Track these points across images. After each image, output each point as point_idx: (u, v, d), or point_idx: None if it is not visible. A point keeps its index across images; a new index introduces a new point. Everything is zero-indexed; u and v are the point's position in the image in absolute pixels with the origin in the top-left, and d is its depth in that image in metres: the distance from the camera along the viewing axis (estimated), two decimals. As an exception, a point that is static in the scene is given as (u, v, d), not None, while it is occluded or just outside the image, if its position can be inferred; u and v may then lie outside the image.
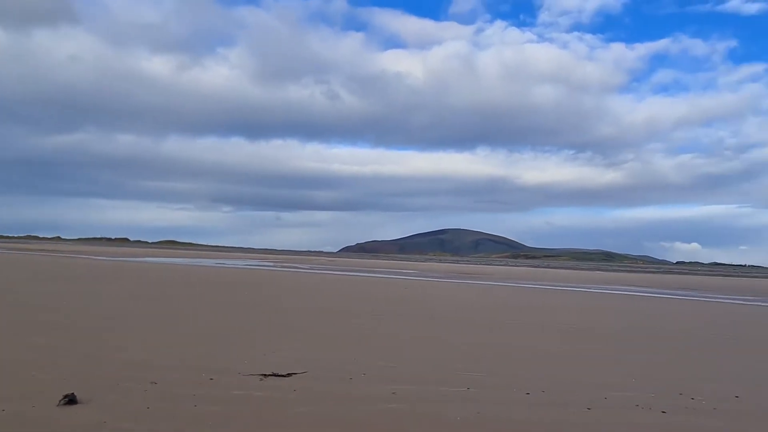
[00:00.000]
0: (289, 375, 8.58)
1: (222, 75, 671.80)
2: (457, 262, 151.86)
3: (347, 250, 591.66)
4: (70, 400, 6.72)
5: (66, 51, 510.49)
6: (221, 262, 68.90)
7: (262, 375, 8.52)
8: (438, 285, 36.88)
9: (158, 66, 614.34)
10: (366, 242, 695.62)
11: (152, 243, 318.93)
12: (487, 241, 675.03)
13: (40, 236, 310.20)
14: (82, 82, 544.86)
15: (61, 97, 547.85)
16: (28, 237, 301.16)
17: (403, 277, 45.80)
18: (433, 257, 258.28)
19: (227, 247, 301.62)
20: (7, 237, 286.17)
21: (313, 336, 12.57)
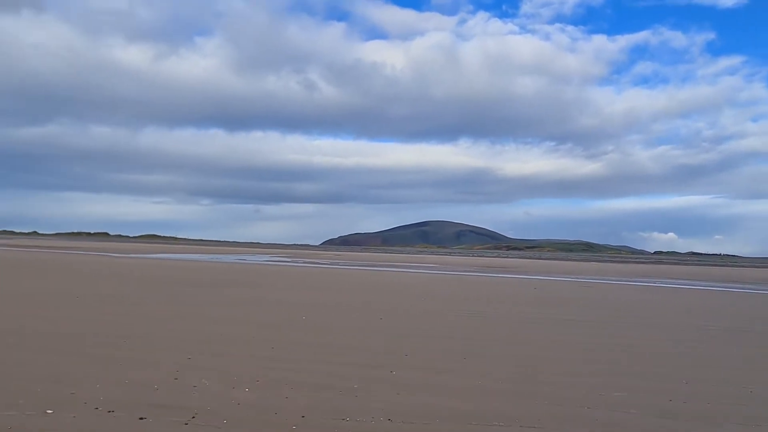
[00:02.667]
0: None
1: (200, 65, 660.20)
2: (464, 254, 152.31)
3: (330, 243, 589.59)
4: None
5: (33, 39, 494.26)
6: (241, 258, 67.75)
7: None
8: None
9: (134, 55, 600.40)
10: (349, 235, 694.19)
11: (133, 237, 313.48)
12: (469, 233, 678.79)
13: (16, 231, 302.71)
14: (52, 72, 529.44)
15: (31, 88, 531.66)
16: (3, 232, 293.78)
17: (453, 274, 45.31)
18: (425, 249, 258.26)
19: (211, 240, 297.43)
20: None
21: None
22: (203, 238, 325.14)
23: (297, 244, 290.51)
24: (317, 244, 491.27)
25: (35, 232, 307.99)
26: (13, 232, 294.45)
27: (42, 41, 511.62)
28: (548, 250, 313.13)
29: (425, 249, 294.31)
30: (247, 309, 15.91)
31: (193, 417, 6.42)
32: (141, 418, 6.31)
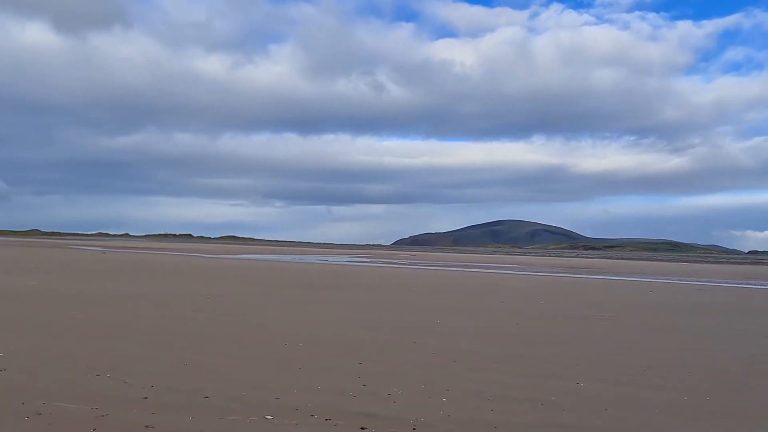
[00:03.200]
0: None
1: (273, 71, 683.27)
2: (547, 255, 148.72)
3: (400, 243, 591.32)
4: None
5: (122, 54, 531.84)
6: (323, 258, 69.20)
7: None
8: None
9: (213, 65, 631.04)
10: (419, 235, 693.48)
11: (214, 238, 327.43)
12: (543, 232, 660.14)
13: (110, 233, 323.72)
14: (139, 84, 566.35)
15: (122, 100, 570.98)
16: (99, 234, 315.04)
17: (575, 276, 44.22)
18: (498, 249, 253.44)
19: (286, 241, 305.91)
20: (81, 234, 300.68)
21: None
22: (278, 239, 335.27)
23: (368, 245, 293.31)
24: (388, 244, 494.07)
25: (127, 234, 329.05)
26: (107, 234, 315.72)
27: (130, 55, 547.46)
28: (630, 250, 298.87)
29: (498, 249, 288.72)
30: (378, 314, 15.77)
31: (414, 429, 6.15)
32: (363, 428, 6.11)
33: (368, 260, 65.18)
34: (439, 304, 18.08)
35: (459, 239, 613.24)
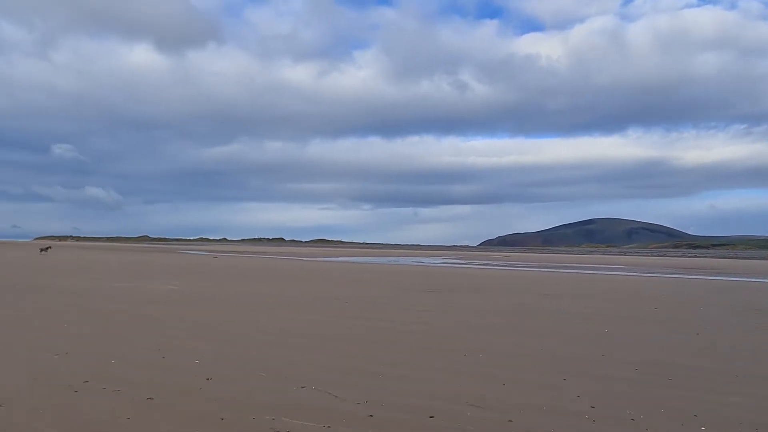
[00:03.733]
0: None
1: (358, 77, 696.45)
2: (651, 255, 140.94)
3: (487, 244, 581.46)
4: None
5: (217, 69, 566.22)
6: (418, 260, 69.09)
7: None
8: None
9: (300, 74, 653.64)
10: (507, 235, 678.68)
11: (305, 242, 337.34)
12: (642, 230, 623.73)
13: (210, 238, 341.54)
14: (234, 96, 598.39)
15: (218, 112, 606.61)
16: (200, 239, 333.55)
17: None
18: (594, 249, 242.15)
19: (375, 243, 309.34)
20: (185, 240, 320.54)
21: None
22: (366, 242, 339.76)
23: (455, 246, 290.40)
24: (475, 245, 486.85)
25: (224, 238, 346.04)
26: (207, 239, 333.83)
27: (224, 70, 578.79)
28: (743, 248, 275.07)
29: (594, 249, 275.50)
30: (546, 322, 14.82)
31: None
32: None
33: (463, 262, 63.92)
34: (599, 310, 16.82)
35: (549, 239, 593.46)
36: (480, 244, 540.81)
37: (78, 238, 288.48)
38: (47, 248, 45.42)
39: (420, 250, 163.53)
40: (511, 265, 54.48)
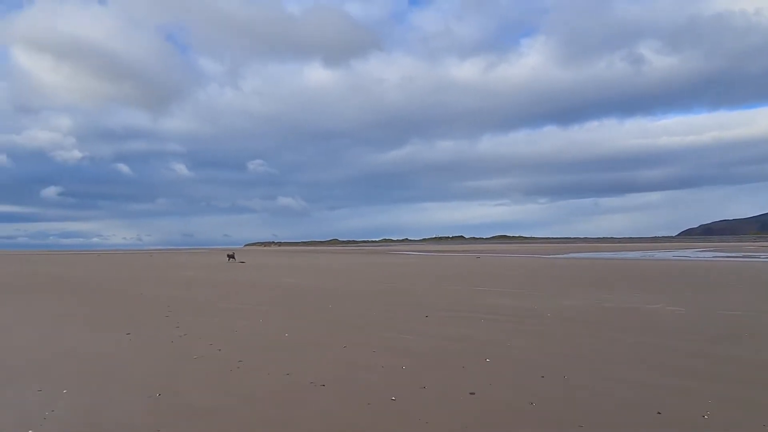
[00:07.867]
0: None
1: (527, 65, 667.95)
2: None
3: (688, 233, 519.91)
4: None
5: (383, 75, 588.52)
6: (681, 255, 63.01)
7: None
8: None
9: (467, 70, 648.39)
10: (712, 222, 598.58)
11: (486, 238, 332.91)
12: None
13: (393, 239, 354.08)
14: (402, 100, 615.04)
15: (390, 117, 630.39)
16: (384, 240, 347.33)
17: None
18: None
19: (560, 238, 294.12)
20: (370, 241, 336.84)
21: None
22: (547, 236, 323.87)
23: (655, 237, 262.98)
24: (674, 235, 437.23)
25: (406, 238, 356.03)
26: (390, 240, 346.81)
27: (390, 75, 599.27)
28: None
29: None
30: None
31: None
32: None
33: (727, 255, 55.56)
34: None
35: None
36: (679, 234, 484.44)
37: (280, 244, 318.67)
38: (233, 255, 45.87)
39: (623, 243, 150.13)
40: None
